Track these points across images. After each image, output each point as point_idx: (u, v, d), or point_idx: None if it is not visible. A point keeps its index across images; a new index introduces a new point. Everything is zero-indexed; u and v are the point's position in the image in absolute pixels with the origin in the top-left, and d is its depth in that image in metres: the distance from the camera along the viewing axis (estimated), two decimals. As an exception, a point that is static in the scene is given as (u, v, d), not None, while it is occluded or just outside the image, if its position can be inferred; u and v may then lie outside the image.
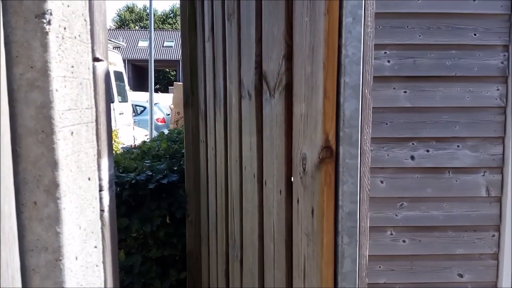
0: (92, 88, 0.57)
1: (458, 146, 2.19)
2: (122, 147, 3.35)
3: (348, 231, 0.73)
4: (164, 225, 2.29)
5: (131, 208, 2.26)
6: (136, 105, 13.69)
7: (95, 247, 0.58)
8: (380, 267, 2.27)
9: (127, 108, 9.92)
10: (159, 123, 12.93)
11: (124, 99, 9.87)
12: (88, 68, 0.56)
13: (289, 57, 0.88)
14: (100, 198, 0.60)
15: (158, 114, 13.16)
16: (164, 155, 2.85)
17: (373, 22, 0.69)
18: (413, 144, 2.19)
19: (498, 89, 2.16)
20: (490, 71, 2.15)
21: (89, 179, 0.56)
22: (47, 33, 0.46)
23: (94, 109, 0.57)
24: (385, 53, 2.15)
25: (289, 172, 0.92)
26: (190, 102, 2.17)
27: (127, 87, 10.70)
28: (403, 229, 2.24)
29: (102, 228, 0.60)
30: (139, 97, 14.74)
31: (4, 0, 0.45)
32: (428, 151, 2.20)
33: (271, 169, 1.02)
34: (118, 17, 50.67)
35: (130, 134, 9.71)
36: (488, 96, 2.16)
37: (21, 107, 0.47)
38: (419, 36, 2.13)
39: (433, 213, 2.23)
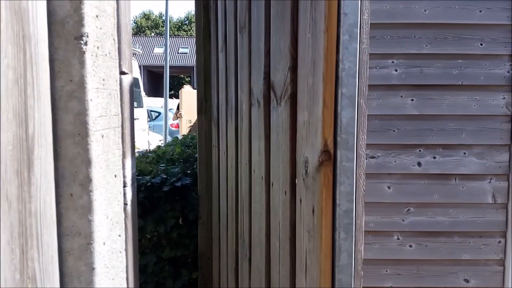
0: (119, 97, 0.66)
1: (464, 153, 2.23)
2: (137, 151, 3.47)
3: (345, 228, 0.80)
4: (177, 226, 2.38)
5: (146, 209, 2.35)
6: (151, 111, 13.89)
7: (119, 235, 0.67)
8: (387, 271, 2.32)
9: (142, 113, 10.10)
10: (173, 128, 13.09)
11: (139, 104, 10.05)
12: (116, 81, 0.64)
13: (294, 69, 0.96)
14: (124, 193, 0.69)
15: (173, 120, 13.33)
16: (178, 159, 2.95)
17: (368, 39, 0.77)
18: (420, 151, 2.25)
19: (504, 98, 2.20)
20: (496, 80, 2.20)
21: (115, 176, 0.64)
22: (84, 52, 0.55)
23: (120, 115, 0.66)
24: (393, 62, 2.21)
25: (293, 174, 0.99)
26: (204, 109, 2.26)
27: (143, 93, 10.89)
28: (409, 234, 2.29)
29: (125, 220, 0.69)
30: (154, 103, 14.96)
31: (50, 25, 0.55)
32: (434, 157, 2.25)
33: (277, 171, 1.10)
34: (134, 24, 51.47)
35: (145, 139, 9.87)
36: (494, 104, 2.21)
37: (61, 114, 0.56)
38: (426, 46, 2.19)
39: (440, 218, 2.27)
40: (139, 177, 2.37)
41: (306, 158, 0.89)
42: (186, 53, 33.91)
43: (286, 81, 1.00)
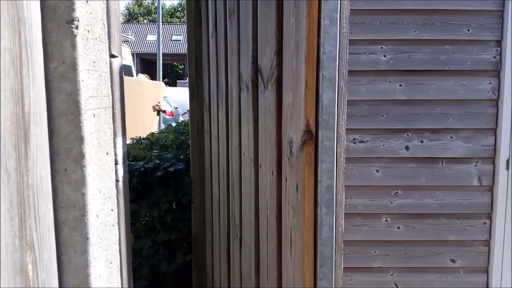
0: (109, 79, 0.69)
1: (451, 137, 2.29)
2: (131, 138, 3.49)
3: (326, 203, 0.85)
4: (171, 210, 2.43)
5: (140, 194, 2.39)
6: (145, 99, 13.84)
7: (112, 210, 0.71)
8: (375, 252, 2.38)
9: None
10: (168, 116, 13.07)
11: (132, 92, 10.01)
12: (106, 63, 0.68)
13: (279, 53, 1.00)
14: (116, 170, 0.73)
15: (166, 108, 13.29)
16: (171, 145, 2.98)
17: (348, 24, 0.81)
18: (407, 135, 2.30)
19: (490, 83, 2.25)
20: (483, 66, 2.24)
21: (107, 153, 0.68)
22: (75, 35, 0.58)
23: (110, 96, 0.70)
24: (381, 48, 2.25)
25: (279, 155, 1.04)
26: (195, 95, 2.29)
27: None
28: (397, 216, 2.35)
29: (117, 195, 0.73)
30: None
31: (42, 10, 0.58)
32: (422, 141, 2.30)
33: (265, 153, 1.14)
34: (127, 11, 50.86)
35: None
36: (481, 89, 2.26)
37: (55, 94, 0.59)
38: (414, 31, 2.23)
39: (427, 201, 2.34)
40: (133, 163, 2.40)
41: (291, 139, 0.93)
42: (180, 40, 33.64)
43: (272, 65, 1.03)
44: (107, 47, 0.68)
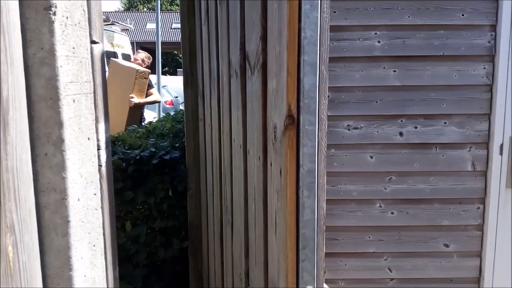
0: (90, 65, 0.70)
1: (445, 122, 2.30)
2: (128, 128, 3.49)
3: (308, 186, 0.87)
4: (167, 198, 2.45)
5: (136, 182, 2.42)
6: (145, 87, 13.80)
7: (95, 194, 0.72)
8: (369, 237, 2.41)
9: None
10: (167, 106, 13.04)
11: (132, 81, 9.98)
12: (87, 49, 0.69)
13: (264, 38, 1.01)
14: (98, 156, 0.74)
15: (166, 97, 13.26)
16: (168, 134, 3.00)
17: (329, 8, 0.81)
18: (401, 121, 2.30)
19: (484, 68, 2.25)
20: (477, 51, 2.24)
21: (88, 138, 0.70)
22: (53, 22, 0.59)
23: (92, 82, 0.71)
24: (376, 33, 2.24)
25: (265, 140, 1.05)
26: (190, 82, 2.30)
27: (135, 69, 10.80)
28: (391, 201, 2.37)
29: (100, 180, 0.75)
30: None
31: (19, -3, 0.59)
32: (416, 127, 2.31)
33: (253, 138, 1.16)
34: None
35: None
36: (475, 74, 2.26)
37: (34, 80, 0.60)
38: (408, 17, 2.22)
39: (420, 186, 2.35)
40: (128, 151, 2.42)
41: (275, 124, 0.94)
42: (179, 29, 33.37)
43: (258, 51, 1.04)
44: (88, 33, 0.69)
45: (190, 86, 2.30)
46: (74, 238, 0.65)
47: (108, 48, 8.99)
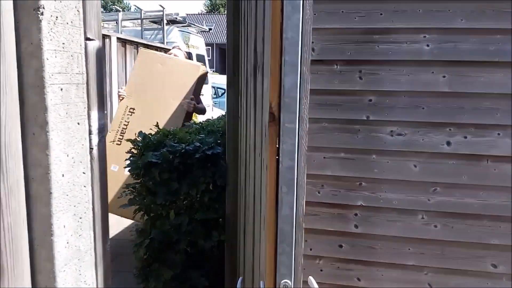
0: (84, 59, 0.80)
1: (498, 134, 2.13)
2: (186, 124, 3.67)
3: (287, 183, 0.89)
4: (208, 191, 2.56)
5: (181, 174, 2.56)
6: (218, 88, 14.28)
7: (84, 173, 0.82)
8: (409, 249, 2.31)
9: (207, 90, 10.47)
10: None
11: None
12: (80, 45, 0.79)
13: (264, 39, 1.05)
14: (90, 139, 0.84)
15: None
16: (219, 130, 3.12)
17: (311, 10, 0.83)
18: (450, 129, 2.18)
19: (546, 76, 2.06)
20: (539, 57, 2.05)
21: (78, 123, 0.79)
22: (40, 20, 0.69)
23: (85, 74, 0.80)
24: (425, 37, 2.15)
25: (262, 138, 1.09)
26: (232, 82, 2.39)
27: (208, 70, 11.26)
28: (435, 214, 2.25)
29: (91, 161, 0.84)
30: (222, 80, 15.37)
31: (15, 0, 0.69)
32: (465, 137, 2.17)
33: (259, 136, 1.20)
34: (209, 2, 52.50)
35: (209, 114, 10.25)
36: (535, 83, 2.07)
37: (25, 70, 0.71)
38: (461, 20, 2.10)
39: (468, 200, 2.21)
40: (176, 145, 2.57)
41: (265, 122, 0.98)
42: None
43: (261, 51, 1.08)
44: (82, 31, 0.78)
45: (232, 86, 2.38)
46: (56, 209, 0.74)
47: (184, 48, 9.45)
